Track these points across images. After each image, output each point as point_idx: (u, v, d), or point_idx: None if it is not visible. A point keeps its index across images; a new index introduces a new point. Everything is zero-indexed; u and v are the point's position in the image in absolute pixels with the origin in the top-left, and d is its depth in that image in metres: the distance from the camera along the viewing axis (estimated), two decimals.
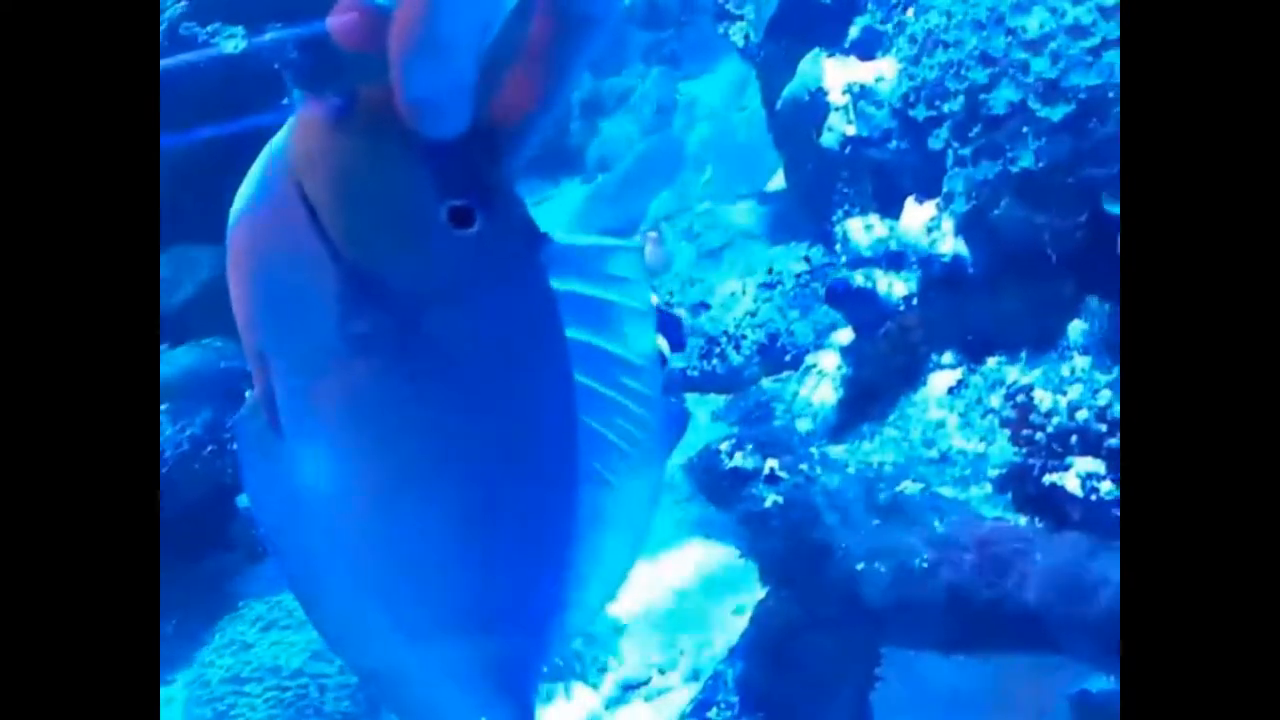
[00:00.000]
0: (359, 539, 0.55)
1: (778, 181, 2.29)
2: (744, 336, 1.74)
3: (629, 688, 1.67)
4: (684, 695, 1.58)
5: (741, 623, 1.63)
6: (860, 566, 1.15)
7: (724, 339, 1.74)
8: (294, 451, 0.53)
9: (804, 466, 1.22)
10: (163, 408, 1.63)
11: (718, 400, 1.83)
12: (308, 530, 0.55)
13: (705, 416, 1.84)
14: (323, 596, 0.56)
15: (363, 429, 0.53)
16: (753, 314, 1.74)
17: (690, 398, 1.85)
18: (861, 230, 1.44)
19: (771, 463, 1.23)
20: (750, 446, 1.24)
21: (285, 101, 0.52)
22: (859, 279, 1.40)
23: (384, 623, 0.57)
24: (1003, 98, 1.36)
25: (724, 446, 1.26)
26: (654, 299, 0.57)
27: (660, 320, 0.64)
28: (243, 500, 1.75)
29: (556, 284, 0.53)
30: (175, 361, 1.69)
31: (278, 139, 0.52)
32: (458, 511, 0.55)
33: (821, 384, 1.41)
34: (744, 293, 1.78)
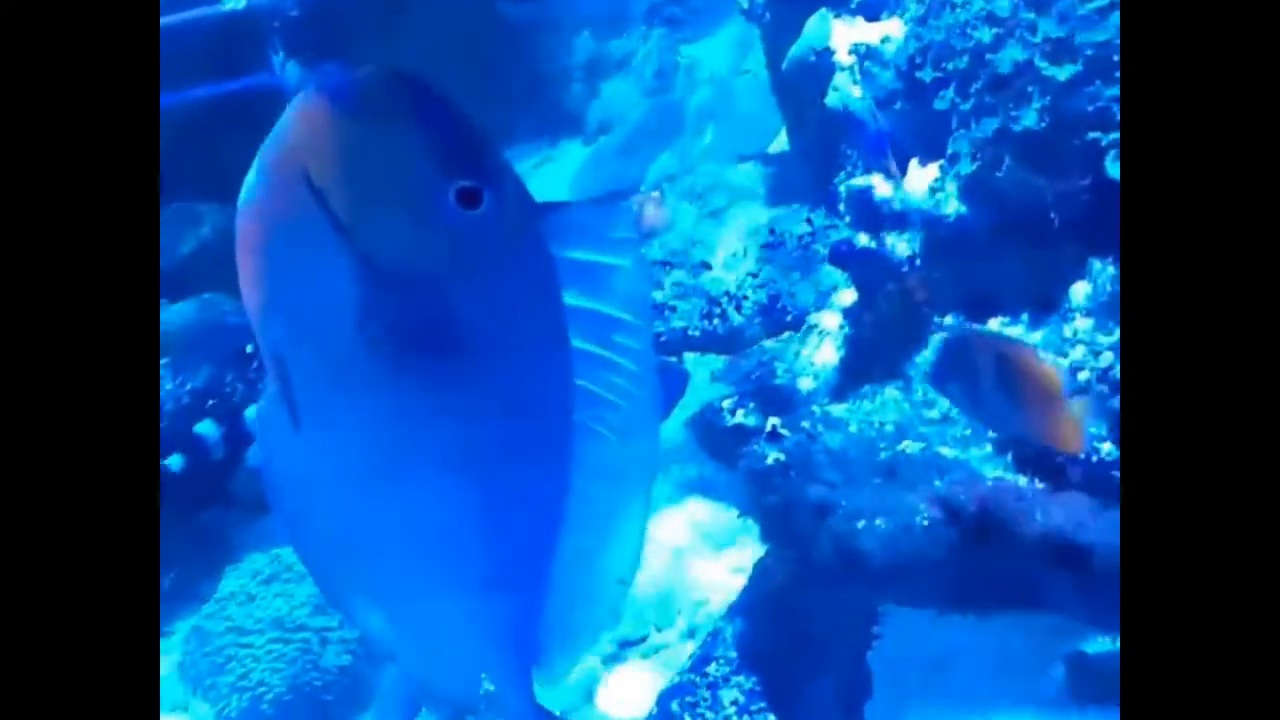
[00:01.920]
0: (373, 516, 0.56)
1: (779, 144, 2.29)
2: (745, 297, 1.74)
3: (626, 645, 1.68)
4: (681, 653, 1.59)
5: (739, 581, 1.64)
6: (861, 524, 1.15)
7: (725, 299, 1.74)
8: (312, 441, 0.54)
9: (806, 425, 1.23)
10: (164, 361, 1.64)
11: (717, 361, 1.83)
12: (324, 513, 0.56)
13: (705, 377, 1.85)
14: (339, 574, 0.58)
15: (377, 413, 0.54)
16: (754, 274, 1.74)
17: (690, 358, 1.85)
18: (866, 190, 1.44)
19: (773, 420, 1.23)
20: (752, 404, 1.24)
21: (278, 60, 0.52)
22: (863, 239, 1.39)
23: (398, 592, 0.58)
24: (1008, 57, 1.35)
25: (726, 404, 1.26)
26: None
27: (666, 374, 0.64)
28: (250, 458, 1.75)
29: (557, 248, 0.54)
30: (177, 316, 1.68)
31: (280, 126, 0.51)
32: (465, 482, 0.56)
33: (823, 344, 1.41)
34: (745, 253, 1.78)
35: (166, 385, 1.63)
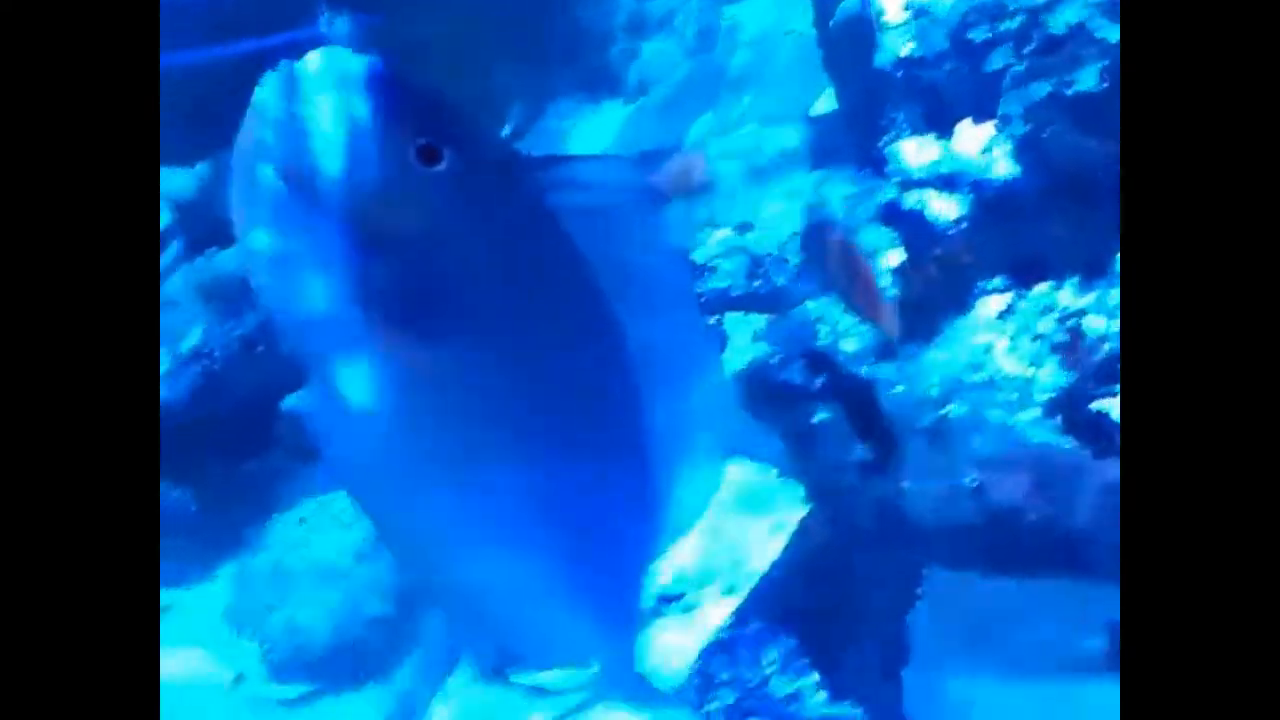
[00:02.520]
0: (442, 497, 0.56)
1: (823, 106, 2.27)
2: (787, 259, 1.73)
3: (665, 600, 1.69)
4: (720, 610, 1.60)
5: (778, 541, 1.65)
6: (906, 485, 1.16)
7: (768, 260, 1.73)
8: (365, 428, 0.54)
9: (850, 386, 1.23)
10: (212, 307, 1.66)
11: (759, 320, 1.83)
12: (393, 497, 0.56)
13: (747, 337, 1.84)
14: (424, 555, 0.57)
15: (420, 392, 0.54)
16: (798, 235, 1.73)
17: (732, 318, 1.85)
18: (915, 151, 1.43)
19: (820, 380, 1.23)
20: (799, 363, 1.24)
21: (324, 15, 0.52)
22: (911, 200, 1.39)
23: (483, 570, 0.57)
24: (1062, 19, 1.34)
25: (773, 362, 1.27)
26: None
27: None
28: (289, 401, 1.77)
29: (558, 204, 0.53)
30: (226, 263, 1.70)
31: (242, 136, 0.52)
32: (526, 456, 0.56)
33: None
34: (789, 214, 1.77)
35: (215, 331, 1.65)
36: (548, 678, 1.54)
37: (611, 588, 0.59)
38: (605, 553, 0.58)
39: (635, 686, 0.60)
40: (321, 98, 0.51)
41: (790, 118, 2.25)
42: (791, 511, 1.64)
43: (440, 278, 0.53)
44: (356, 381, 0.53)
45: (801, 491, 1.49)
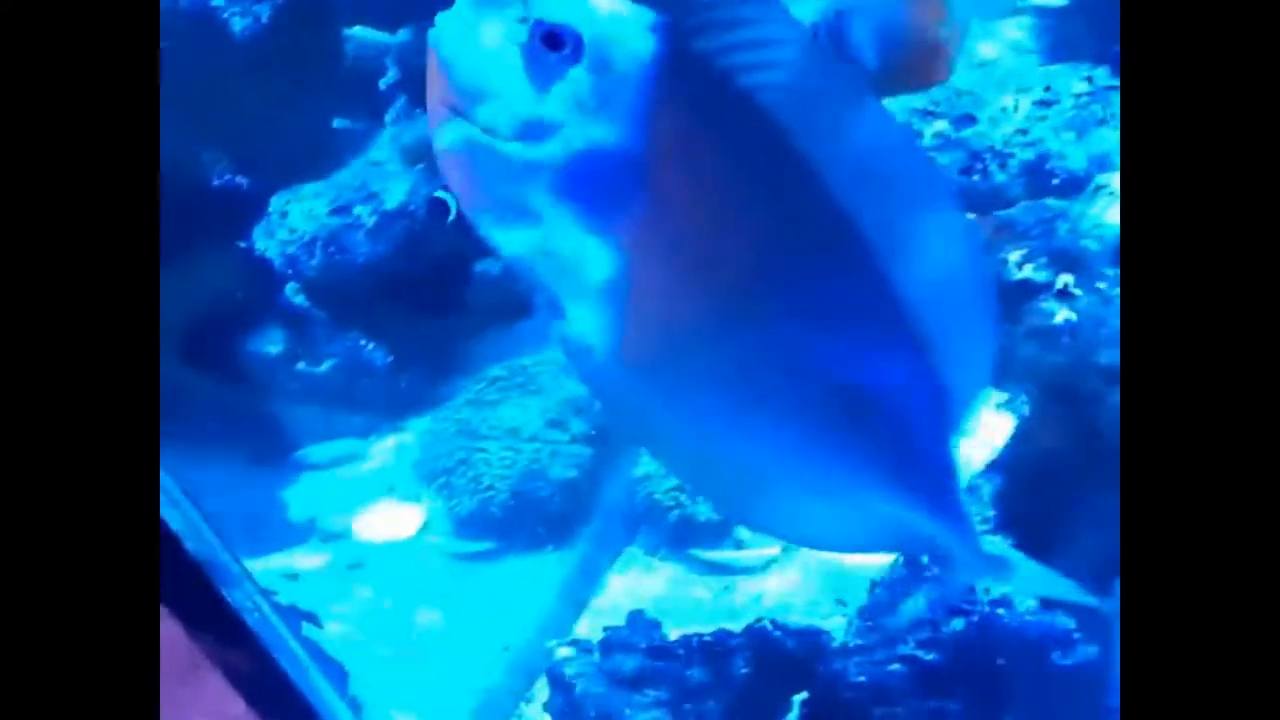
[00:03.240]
0: (730, 404, 0.54)
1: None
2: (1011, 155, 1.66)
3: None
4: None
5: (969, 442, 1.61)
6: None
7: (989, 155, 1.66)
8: (607, 346, 0.53)
9: (1101, 286, 1.17)
10: (420, 166, 1.68)
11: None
12: (666, 424, 0.54)
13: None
14: (676, 439, 0.56)
15: (648, 291, 0.52)
16: (1023, 132, 1.66)
17: None
18: None
19: (1065, 278, 1.18)
20: (1043, 259, 1.19)
21: None
22: None
23: (779, 468, 0.56)
24: None
25: (1013, 257, 1.21)
26: None
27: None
28: (484, 265, 1.77)
29: (741, 69, 0.50)
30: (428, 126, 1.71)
31: (428, 88, 0.53)
32: (794, 338, 0.53)
33: (1113, 206, 1.34)
34: (1015, 109, 1.69)
35: (419, 190, 1.68)
36: (729, 555, 1.54)
37: (908, 471, 0.57)
38: (889, 435, 0.56)
39: (985, 561, 0.58)
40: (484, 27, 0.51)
41: (1021, 9, 2.16)
42: (983, 411, 1.59)
43: (631, 169, 0.51)
44: (604, 304, 0.52)
45: (998, 396, 1.45)
